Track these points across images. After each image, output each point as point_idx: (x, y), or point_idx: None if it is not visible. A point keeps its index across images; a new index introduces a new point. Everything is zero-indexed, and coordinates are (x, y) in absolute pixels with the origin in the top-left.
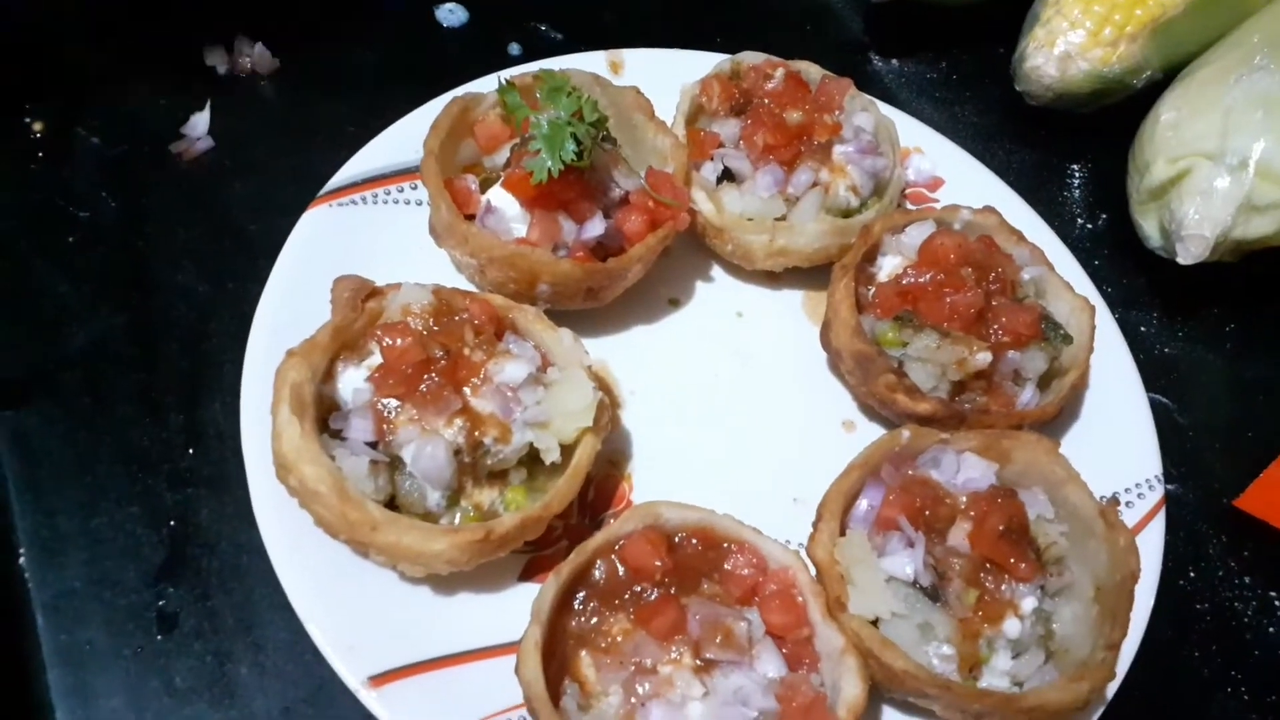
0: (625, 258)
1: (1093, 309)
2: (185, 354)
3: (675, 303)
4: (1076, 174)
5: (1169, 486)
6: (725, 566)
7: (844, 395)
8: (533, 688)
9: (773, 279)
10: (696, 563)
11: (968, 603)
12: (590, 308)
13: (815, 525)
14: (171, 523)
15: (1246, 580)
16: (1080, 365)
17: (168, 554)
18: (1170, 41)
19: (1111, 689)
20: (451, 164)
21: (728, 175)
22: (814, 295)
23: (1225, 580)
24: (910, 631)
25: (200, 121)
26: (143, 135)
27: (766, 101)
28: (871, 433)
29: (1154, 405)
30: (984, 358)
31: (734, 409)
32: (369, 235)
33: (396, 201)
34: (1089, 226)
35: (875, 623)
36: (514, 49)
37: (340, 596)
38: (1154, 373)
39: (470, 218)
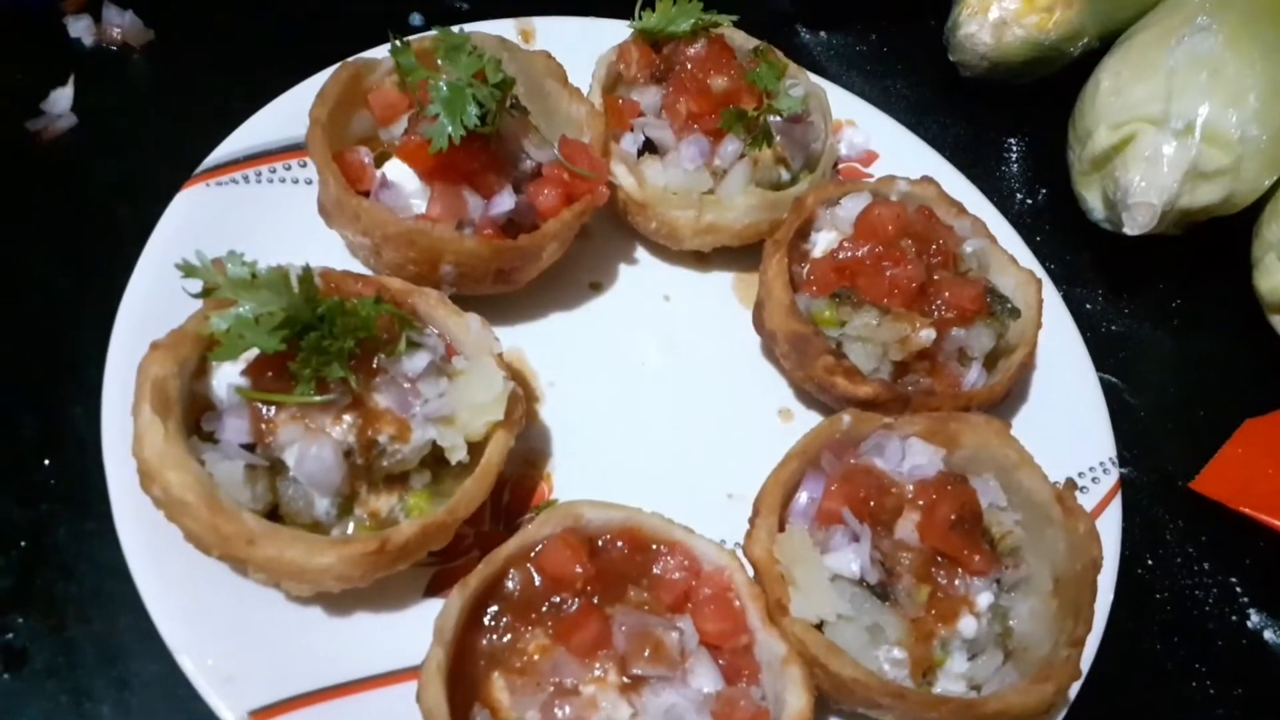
0: (538, 235)
1: (1039, 282)
2: (42, 354)
3: (597, 286)
4: (1014, 147)
5: (1122, 470)
6: (654, 571)
7: (780, 381)
8: (435, 716)
9: (701, 260)
10: (622, 568)
11: (919, 600)
12: (502, 292)
13: (752, 522)
14: (22, 544)
15: (1206, 566)
16: (1029, 342)
17: (16, 579)
18: (1108, 6)
19: (1075, 688)
20: (343, 137)
21: (650, 147)
22: (745, 276)
23: (1184, 567)
24: (858, 635)
25: (62, 97)
26: None
27: (689, 66)
28: (810, 421)
29: (1103, 385)
30: (927, 335)
31: (662, 400)
32: (252, 216)
33: (284, 180)
34: (1029, 201)
35: (820, 627)
36: (415, 19)
37: (217, 622)
38: (1101, 351)
39: (365, 194)
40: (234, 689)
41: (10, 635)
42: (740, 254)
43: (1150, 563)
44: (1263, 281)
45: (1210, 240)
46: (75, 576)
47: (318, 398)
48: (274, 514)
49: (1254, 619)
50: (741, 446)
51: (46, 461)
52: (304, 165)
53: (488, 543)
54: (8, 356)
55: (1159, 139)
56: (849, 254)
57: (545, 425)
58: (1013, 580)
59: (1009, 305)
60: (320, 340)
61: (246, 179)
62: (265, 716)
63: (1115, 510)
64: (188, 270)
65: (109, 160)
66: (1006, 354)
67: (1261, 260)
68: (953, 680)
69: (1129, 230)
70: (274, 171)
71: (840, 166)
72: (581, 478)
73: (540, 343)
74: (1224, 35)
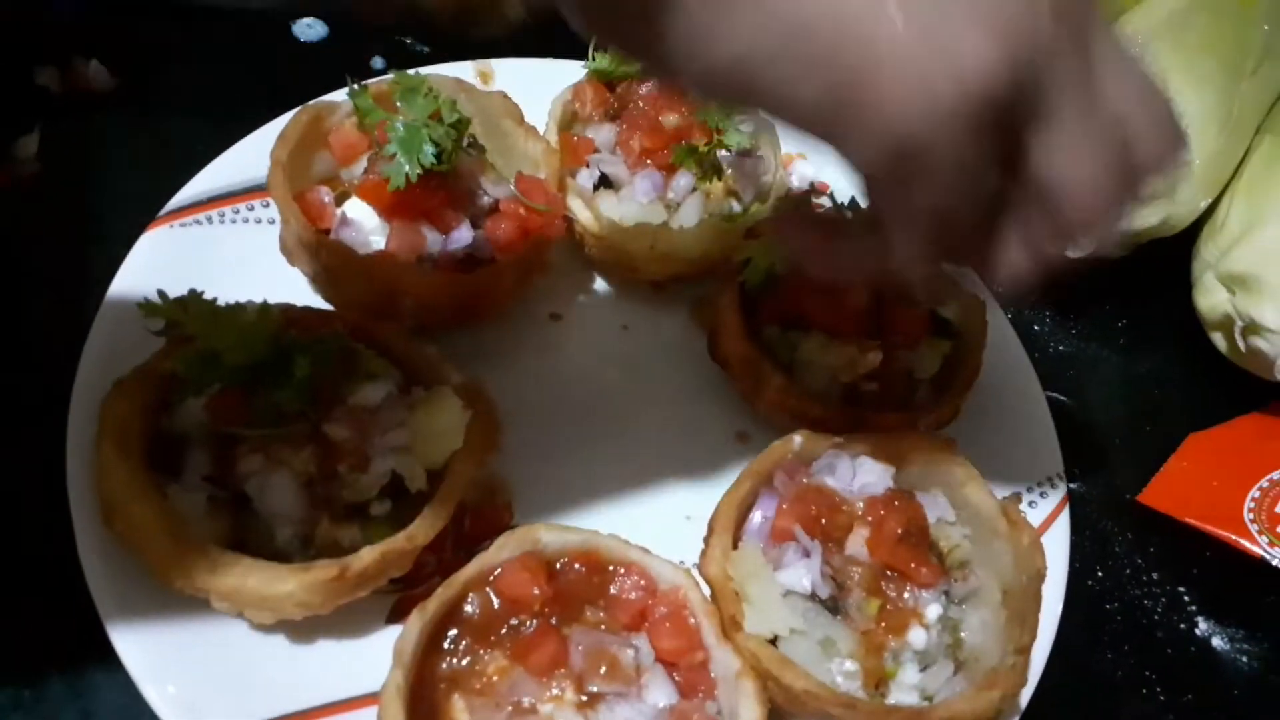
0: (495, 267)
1: (983, 304)
2: (10, 394)
3: (557, 317)
4: None
5: (1071, 485)
6: (611, 591)
7: (736, 406)
8: None
9: (658, 289)
10: (580, 589)
11: (869, 613)
12: (463, 325)
13: (706, 541)
14: None
15: (1154, 576)
16: (975, 362)
17: None
18: None
19: (1025, 697)
20: (305, 178)
21: (605, 182)
22: (701, 306)
23: (1133, 578)
24: (811, 649)
25: (29, 145)
26: None
27: (642, 105)
28: (766, 443)
29: (1052, 404)
30: (874, 358)
31: (622, 425)
32: (215, 256)
33: (246, 220)
34: None
35: (774, 642)
36: (377, 63)
37: (180, 652)
38: (1050, 371)
39: (326, 232)
40: (196, 717)
41: None
42: (696, 284)
43: (1100, 574)
44: (1202, 300)
45: (1152, 260)
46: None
47: (278, 430)
48: (238, 546)
49: (1202, 626)
50: (699, 469)
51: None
52: (266, 205)
53: (449, 569)
54: None
55: None
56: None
57: (505, 453)
58: (962, 593)
59: (953, 328)
60: (280, 375)
61: (210, 219)
62: None
63: (1064, 523)
64: (149, 309)
65: (76, 206)
66: (954, 374)
67: (1200, 279)
68: (905, 691)
69: (1072, 252)
70: (236, 212)
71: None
72: (542, 503)
73: (501, 373)
74: (1158, 66)
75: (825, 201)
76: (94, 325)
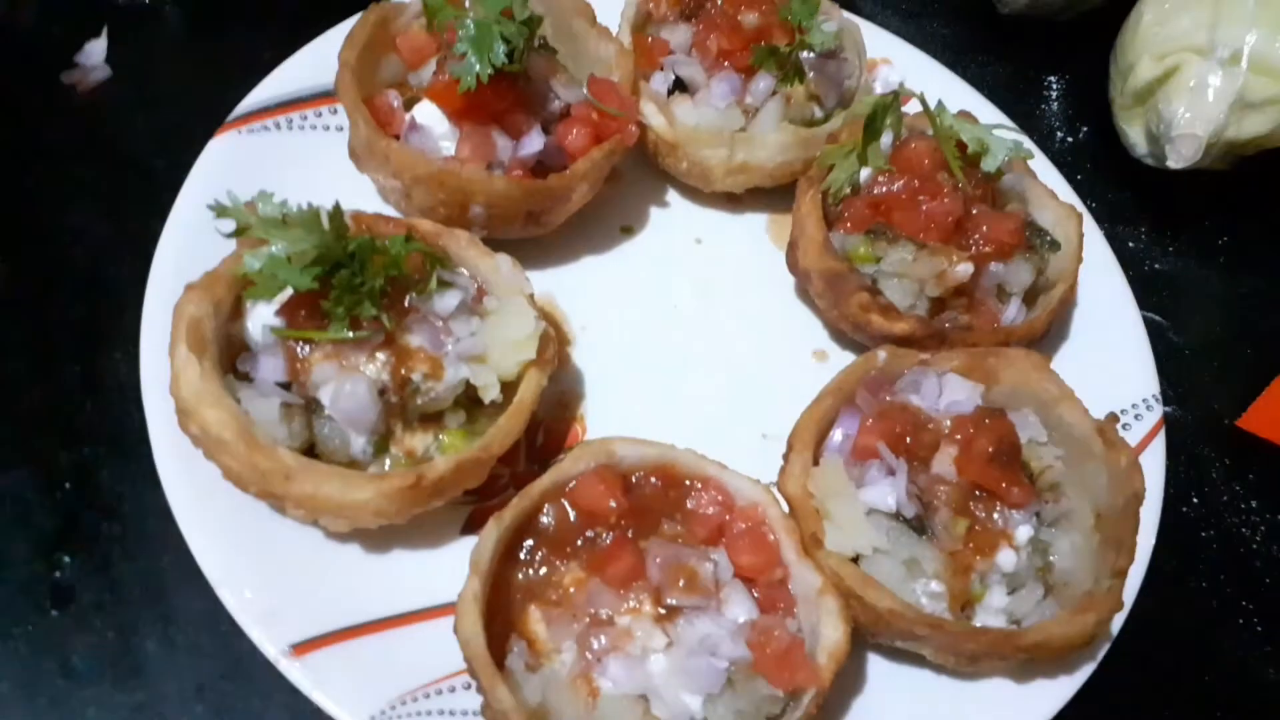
0: (568, 175)
1: (1079, 216)
2: (81, 300)
3: (628, 230)
4: (1054, 85)
5: (1167, 409)
6: (688, 506)
7: (814, 322)
8: (472, 645)
9: (733, 201)
10: (656, 503)
11: (957, 534)
12: (533, 235)
13: (786, 457)
14: (66, 485)
15: (1253, 504)
16: (1068, 277)
17: (62, 520)
18: None
19: (1117, 623)
20: (373, 82)
21: (680, 86)
22: (778, 219)
23: (1230, 505)
24: (895, 568)
25: (96, 50)
26: (33, 65)
27: (720, 3)
28: (845, 361)
29: (1147, 324)
30: (965, 269)
31: (695, 342)
32: (284, 163)
33: (315, 127)
34: (1069, 140)
35: (856, 560)
36: None
37: (257, 559)
38: (1145, 290)
39: (395, 138)
40: (274, 623)
41: (58, 574)
42: (773, 195)
43: (1195, 501)
44: None
45: (1258, 175)
46: (119, 516)
47: (351, 334)
48: (310, 453)
49: None
50: (776, 387)
51: (88, 405)
52: (334, 112)
53: (523, 482)
54: (48, 304)
55: (1204, 69)
56: (884, 189)
57: (577, 368)
58: (1053, 515)
59: (1048, 239)
60: (352, 278)
61: (278, 125)
62: (305, 650)
63: (1159, 447)
64: (220, 211)
65: (143, 111)
66: (1046, 290)
67: None
68: (992, 614)
69: (1173, 163)
70: (304, 118)
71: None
72: (615, 420)
73: (571, 286)
74: None
75: (909, 110)
76: (165, 230)
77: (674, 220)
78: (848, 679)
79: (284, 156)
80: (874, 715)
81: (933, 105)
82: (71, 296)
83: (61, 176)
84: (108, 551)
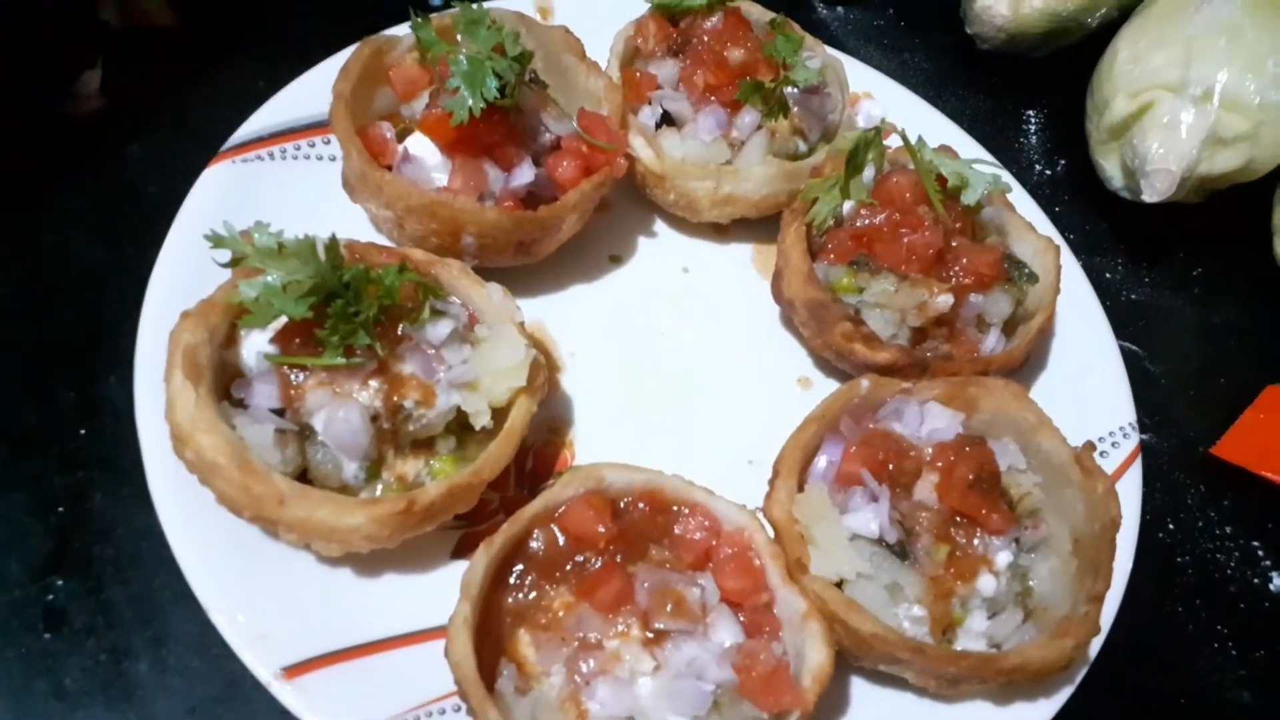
0: (558, 206)
1: (1057, 248)
2: (77, 325)
3: (617, 259)
4: (1032, 119)
5: (1143, 436)
6: (675, 531)
7: (799, 350)
8: (463, 668)
9: (720, 231)
10: (644, 528)
11: (938, 559)
12: (524, 264)
13: (771, 483)
14: (60, 509)
15: (1228, 530)
16: (1047, 308)
17: (56, 543)
18: None
19: (1094, 647)
20: (366, 113)
21: (668, 120)
22: (764, 249)
23: (1206, 531)
24: (878, 593)
25: (92, 79)
26: (30, 95)
27: (706, 39)
28: (829, 388)
29: (1123, 353)
30: (945, 300)
31: (682, 369)
32: (277, 192)
33: (308, 157)
34: (1047, 172)
35: (840, 585)
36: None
37: (249, 582)
38: (1122, 320)
39: (388, 169)
40: (266, 646)
41: (51, 597)
42: (758, 226)
43: (1171, 527)
44: None
45: (1230, 208)
46: (112, 540)
47: (344, 361)
48: (303, 479)
49: (1277, 582)
50: (761, 414)
51: (82, 430)
52: (327, 142)
53: (513, 507)
54: (44, 330)
55: (1177, 106)
56: (867, 221)
57: (567, 394)
58: (1032, 541)
59: (1026, 271)
60: (346, 308)
61: (271, 155)
62: (297, 673)
63: (1135, 474)
64: (216, 241)
65: (137, 139)
66: (1025, 320)
67: None
68: (973, 638)
69: (1148, 198)
70: (298, 148)
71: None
72: (603, 445)
73: (561, 314)
74: (1243, 1)
75: (890, 143)
76: (160, 258)
77: (662, 249)
78: (831, 702)
79: (277, 186)
80: None
81: (913, 139)
82: (67, 321)
83: (57, 204)
84: (100, 574)
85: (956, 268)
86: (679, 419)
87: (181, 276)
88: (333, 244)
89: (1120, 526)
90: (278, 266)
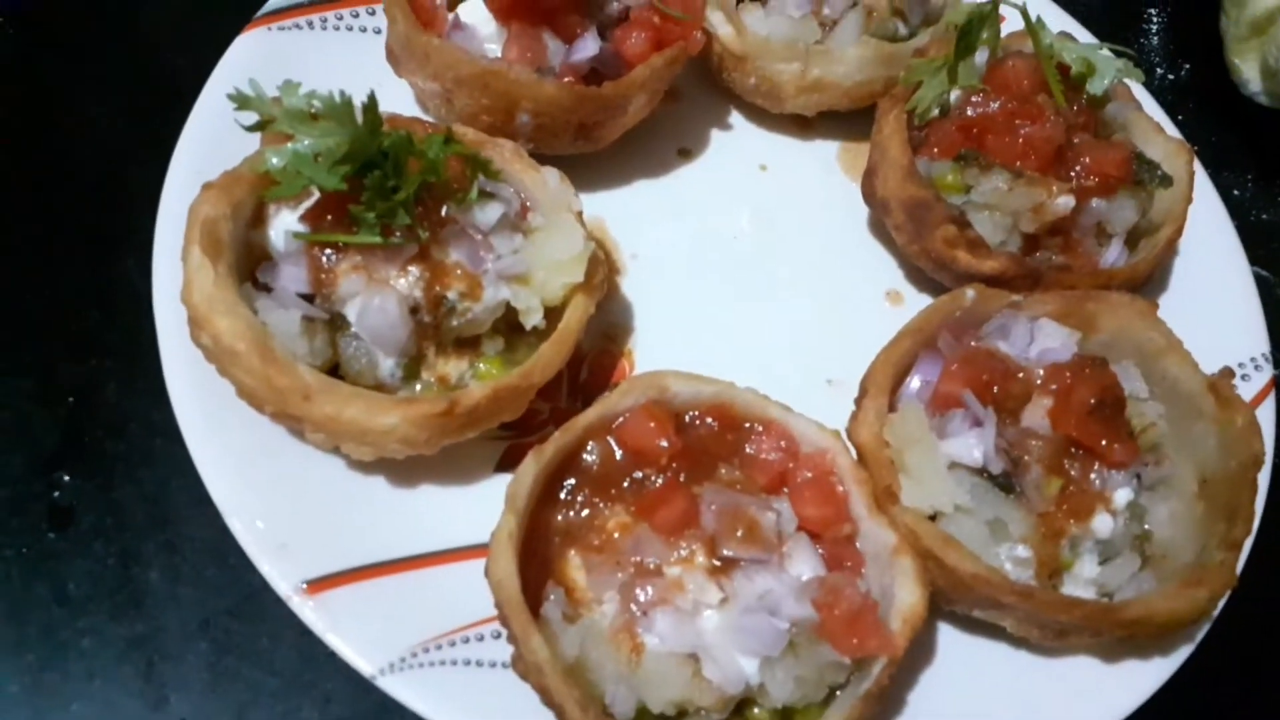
0: (624, 82)
1: (1191, 151)
2: (92, 203)
3: (686, 153)
4: (1154, 18)
5: (1277, 370)
6: (747, 450)
7: (889, 260)
8: (505, 589)
9: (803, 125)
10: (712, 446)
11: (1048, 495)
12: (583, 152)
13: (858, 402)
14: (70, 399)
15: None
16: (1177, 218)
17: (64, 436)
18: None
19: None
20: None
21: None
22: (852, 147)
23: None
24: (978, 529)
25: None
26: None
27: None
28: (920, 305)
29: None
30: (1066, 202)
31: (755, 277)
32: (316, 63)
33: (351, 28)
34: (1170, 77)
35: (933, 518)
36: None
37: (271, 487)
38: (1251, 241)
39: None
40: (287, 557)
41: (57, 493)
42: (847, 120)
43: None
44: None
45: None
46: (124, 435)
47: (381, 240)
48: (334, 374)
49: None
50: (844, 330)
51: (96, 314)
52: (371, 13)
53: (564, 420)
54: (57, 205)
55: None
56: (978, 110)
57: (627, 299)
58: (1153, 479)
59: (1159, 173)
60: (384, 181)
61: (310, 24)
62: (320, 588)
63: (1268, 411)
64: (241, 101)
65: (166, 4)
66: (1149, 233)
67: None
68: (1081, 586)
69: None
70: (339, 17)
71: None
72: (665, 357)
73: (623, 211)
74: None
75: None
76: (185, 127)
77: (737, 144)
78: (916, 650)
79: (316, 57)
80: (943, 691)
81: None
82: (83, 197)
83: (75, 72)
84: (111, 472)
85: (1078, 166)
86: (750, 332)
87: (208, 148)
88: (371, 105)
89: (1263, 464)
90: (309, 131)
